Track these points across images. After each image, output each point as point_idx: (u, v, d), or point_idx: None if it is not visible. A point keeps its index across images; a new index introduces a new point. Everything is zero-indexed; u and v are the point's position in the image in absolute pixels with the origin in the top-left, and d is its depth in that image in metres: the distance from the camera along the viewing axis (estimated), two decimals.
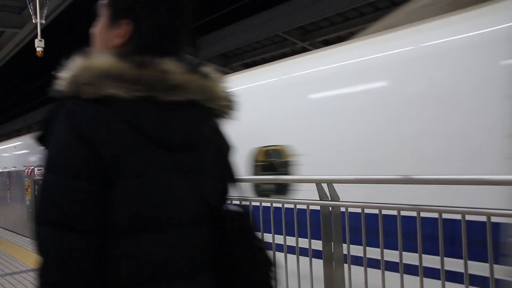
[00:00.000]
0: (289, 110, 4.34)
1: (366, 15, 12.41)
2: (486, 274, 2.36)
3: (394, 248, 2.76)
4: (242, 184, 1.24)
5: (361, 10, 12.42)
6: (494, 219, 2.35)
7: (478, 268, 2.84)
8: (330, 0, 11.98)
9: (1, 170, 12.69)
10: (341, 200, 3.13)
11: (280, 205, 3.47)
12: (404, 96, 3.48)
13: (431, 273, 2.85)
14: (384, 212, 2.82)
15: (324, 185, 3.18)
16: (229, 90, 1.17)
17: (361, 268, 2.89)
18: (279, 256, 3.42)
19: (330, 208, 3.13)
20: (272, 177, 4.03)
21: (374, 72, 3.68)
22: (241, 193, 1.22)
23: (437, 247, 2.53)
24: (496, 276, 2.37)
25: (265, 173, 4.60)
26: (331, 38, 13.23)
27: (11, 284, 5.32)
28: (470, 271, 2.44)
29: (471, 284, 2.43)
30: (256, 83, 4.81)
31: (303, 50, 12.87)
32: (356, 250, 3.01)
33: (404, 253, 2.72)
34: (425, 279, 2.61)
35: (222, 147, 1.19)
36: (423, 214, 2.63)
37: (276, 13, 13.26)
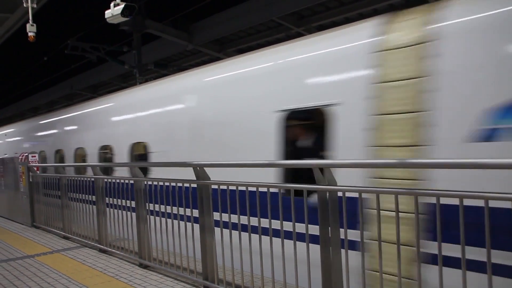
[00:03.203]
0: (145, 118, 7.32)
1: (361, 0, 12.34)
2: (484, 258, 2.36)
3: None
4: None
5: None
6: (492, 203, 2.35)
7: (477, 253, 2.86)
8: None
9: None
10: (338, 184, 3.13)
11: (277, 190, 3.46)
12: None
13: (430, 258, 2.86)
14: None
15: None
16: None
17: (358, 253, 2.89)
18: (276, 241, 3.42)
19: (328, 192, 3.12)
20: (272, 162, 4.01)
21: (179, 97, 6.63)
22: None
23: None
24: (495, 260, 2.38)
25: (140, 160, 7.35)
26: (326, 23, 13.14)
27: (7, 270, 5.31)
28: (468, 256, 2.45)
29: (468, 269, 2.44)
30: (133, 100, 8.14)
31: (299, 35, 12.76)
32: (354, 235, 3.02)
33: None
34: (423, 264, 2.62)
35: None
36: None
37: None
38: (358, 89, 4.09)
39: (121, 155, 7.66)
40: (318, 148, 4.48)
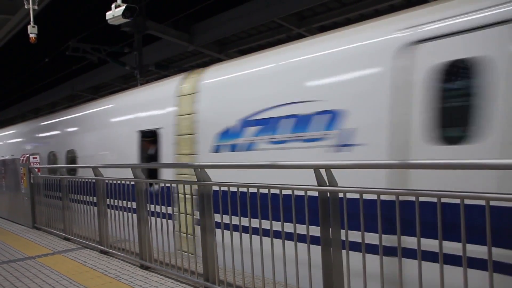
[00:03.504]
0: (74, 131, 9.93)
1: (363, 0, 12.32)
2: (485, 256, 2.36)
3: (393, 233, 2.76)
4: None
5: None
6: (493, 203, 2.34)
7: (478, 252, 2.85)
8: None
9: None
10: (339, 185, 3.12)
11: (277, 191, 3.45)
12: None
13: (430, 256, 2.85)
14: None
15: (322, 171, 3.16)
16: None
17: (359, 254, 2.88)
18: (277, 242, 3.42)
19: (328, 193, 3.12)
20: (270, 163, 4.01)
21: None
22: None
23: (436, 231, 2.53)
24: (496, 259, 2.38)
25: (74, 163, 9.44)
26: (327, 24, 13.12)
27: (8, 272, 5.31)
28: (469, 255, 2.45)
29: (469, 267, 2.43)
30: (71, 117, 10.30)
31: (300, 36, 12.75)
32: (354, 236, 3.01)
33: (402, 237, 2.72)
34: (423, 263, 2.62)
35: None
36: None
37: None
38: (170, 119, 6.42)
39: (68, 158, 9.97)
40: (155, 154, 6.85)
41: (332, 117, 4.21)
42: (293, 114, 4.60)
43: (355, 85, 4.13)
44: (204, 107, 5.84)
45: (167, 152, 6.41)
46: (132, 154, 7.24)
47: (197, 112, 5.89)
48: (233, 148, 5.27)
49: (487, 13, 3.25)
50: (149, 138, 7.14)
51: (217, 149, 5.48)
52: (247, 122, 5.13)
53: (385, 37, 3.97)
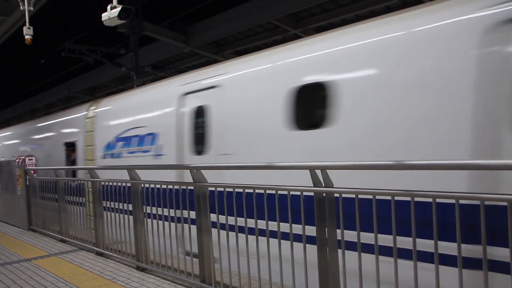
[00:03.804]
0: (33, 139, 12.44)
1: (359, 1, 12.34)
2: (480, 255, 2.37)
3: (388, 233, 2.76)
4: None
5: None
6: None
7: (471, 251, 2.86)
8: None
9: None
10: (335, 186, 3.13)
11: (273, 191, 3.46)
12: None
13: (425, 257, 2.86)
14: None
15: (318, 172, 3.17)
16: None
17: (355, 253, 2.89)
18: (273, 242, 3.42)
19: (324, 194, 3.12)
20: (266, 164, 4.00)
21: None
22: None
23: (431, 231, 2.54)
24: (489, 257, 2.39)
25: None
26: (324, 25, 13.14)
27: (3, 274, 5.29)
28: (464, 254, 2.46)
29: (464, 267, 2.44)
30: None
31: (296, 37, 12.77)
32: (350, 236, 3.01)
33: (397, 237, 2.73)
34: (418, 263, 2.62)
35: None
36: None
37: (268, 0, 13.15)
38: (81, 134, 9.11)
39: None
40: (75, 159, 9.44)
41: (153, 137, 6.83)
42: (137, 134, 7.23)
43: (161, 118, 6.77)
44: (97, 127, 8.62)
45: (82, 157, 9.06)
46: (62, 159, 10.04)
47: (94, 131, 8.63)
48: (112, 156, 7.87)
49: (208, 81, 5.98)
50: (70, 148, 9.74)
51: (104, 156, 8.13)
52: (118, 139, 7.75)
53: (176, 88, 6.59)
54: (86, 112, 9.14)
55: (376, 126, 3.89)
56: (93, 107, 9.01)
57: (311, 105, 4.83)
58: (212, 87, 5.82)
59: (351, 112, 4.08)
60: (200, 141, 5.95)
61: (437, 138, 3.49)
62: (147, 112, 7.15)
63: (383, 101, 3.88)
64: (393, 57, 3.89)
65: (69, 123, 9.94)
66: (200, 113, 5.99)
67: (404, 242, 2.81)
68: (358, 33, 4.34)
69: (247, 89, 5.42)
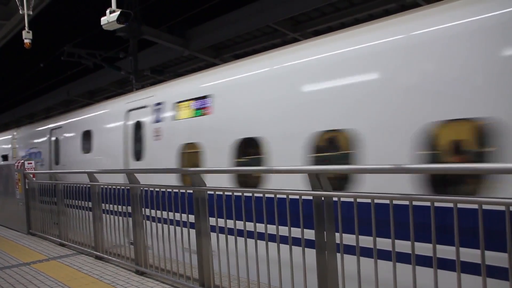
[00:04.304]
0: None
1: (357, 5, 12.40)
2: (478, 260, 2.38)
3: (387, 236, 2.77)
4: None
5: (352, 1, 12.39)
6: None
7: (471, 255, 2.87)
8: None
9: None
10: (333, 190, 3.14)
11: (272, 195, 3.47)
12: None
13: (424, 261, 2.87)
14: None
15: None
16: None
17: (354, 257, 2.90)
18: (272, 246, 3.42)
19: (323, 197, 3.13)
20: (264, 168, 4.02)
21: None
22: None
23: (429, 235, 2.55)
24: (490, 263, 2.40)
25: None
26: (322, 29, 13.20)
27: (2, 278, 5.28)
28: (463, 258, 2.46)
29: (462, 271, 2.45)
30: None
31: (294, 40, 12.81)
32: (349, 239, 3.02)
33: (396, 241, 2.74)
34: (417, 267, 2.63)
35: None
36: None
37: (266, 3, 13.19)
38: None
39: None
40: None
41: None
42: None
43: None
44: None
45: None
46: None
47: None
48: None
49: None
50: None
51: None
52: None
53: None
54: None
55: None
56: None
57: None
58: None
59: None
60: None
61: None
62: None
63: None
64: None
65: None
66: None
67: (403, 245, 2.82)
68: None
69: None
